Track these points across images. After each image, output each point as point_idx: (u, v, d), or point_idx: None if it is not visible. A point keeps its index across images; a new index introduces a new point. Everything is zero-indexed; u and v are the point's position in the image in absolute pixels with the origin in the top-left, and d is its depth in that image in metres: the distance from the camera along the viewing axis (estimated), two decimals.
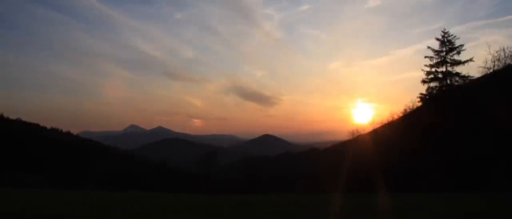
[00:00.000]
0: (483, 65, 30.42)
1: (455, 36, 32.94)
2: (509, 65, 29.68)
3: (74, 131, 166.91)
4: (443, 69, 33.25)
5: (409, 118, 38.15)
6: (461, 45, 32.75)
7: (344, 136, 53.15)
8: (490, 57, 30.02)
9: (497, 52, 30.01)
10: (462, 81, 32.84)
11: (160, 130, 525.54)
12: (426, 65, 33.67)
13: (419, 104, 36.69)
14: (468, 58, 32.52)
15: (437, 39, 33.20)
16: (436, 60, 33.32)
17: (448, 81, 33.32)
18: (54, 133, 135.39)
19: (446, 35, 32.96)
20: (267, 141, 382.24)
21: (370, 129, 49.61)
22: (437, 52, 33.19)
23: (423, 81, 33.89)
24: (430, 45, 33.49)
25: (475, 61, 32.10)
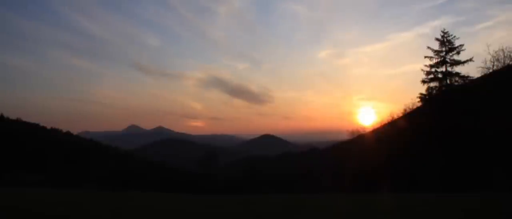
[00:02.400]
0: (483, 65, 30.47)
1: (454, 36, 33.01)
2: (509, 65, 29.71)
3: (74, 131, 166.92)
4: (443, 69, 33.25)
5: (409, 118, 38.19)
6: (461, 45, 32.77)
7: (344, 136, 53.25)
8: (489, 57, 30.07)
9: (496, 52, 30.07)
10: (462, 81, 32.80)
11: (160, 130, 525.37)
12: (426, 65, 33.72)
13: (419, 104, 36.71)
14: (468, 58, 32.58)
15: (437, 39, 33.23)
16: (436, 60, 33.33)
17: (448, 81, 33.30)
18: (54, 133, 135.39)
19: (446, 35, 32.99)
20: (267, 141, 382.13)
21: (370, 129, 49.79)
22: (437, 52, 33.20)
23: (423, 81, 33.90)
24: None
25: (479, 56, 32.17)
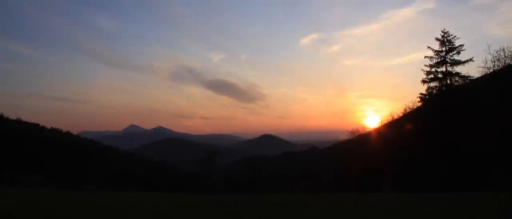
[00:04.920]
0: (483, 65, 30.41)
1: (455, 36, 33.02)
2: (509, 65, 29.66)
3: (74, 131, 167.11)
4: (443, 69, 33.26)
5: (409, 118, 38.21)
6: (461, 45, 32.80)
7: (343, 136, 53.32)
8: (490, 57, 30.00)
9: (497, 52, 30.00)
10: (462, 81, 32.81)
11: (160, 130, 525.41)
12: (426, 65, 33.73)
13: (419, 104, 36.73)
14: (468, 58, 32.61)
15: (437, 39, 33.23)
16: (436, 60, 33.34)
17: (448, 81, 33.31)
18: (54, 133, 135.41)
19: (446, 35, 33.01)
20: (267, 140, 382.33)
21: (369, 128, 49.88)
22: (437, 52, 33.21)
23: (423, 81, 33.91)
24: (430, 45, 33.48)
25: (475, 61, 32.12)
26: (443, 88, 33.36)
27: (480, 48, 31.37)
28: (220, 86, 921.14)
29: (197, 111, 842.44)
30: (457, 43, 32.90)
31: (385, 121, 46.53)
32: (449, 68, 33.05)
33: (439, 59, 33.20)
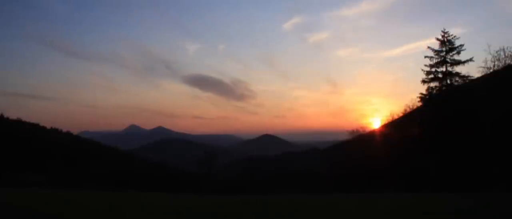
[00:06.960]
0: (483, 65, 30.44)
1: (455, 36, 33.05)
2: (509, 65, 29.68)
3: (74, 131, 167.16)
4: (443, 69, 33.28)
5: (409, 118, 38.25)
6: (461, 45, 32.84)
7: (343, 136, 53.42)
8: (490, 57, 30.02)
9: (497, 52, 30.03)
10: (462, 81, 32.86)
11: (160, 130, 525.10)
12: (426, 65, 33.76)
13: (419, 104, 36.76)
14: (468, 58, 32.65)
15: (437, 39, 33.27)
16: (436, 60, 33.36)
17: (448, 81, 33.33)
18: (54, 133, 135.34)
19: (446, 35, 33.02)
20: (267, 140, 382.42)
21: (369, 128, 49.95)
22: (437, 52, 33.24)
23: (423, 81, 33.95)
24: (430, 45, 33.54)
25: (475, 61, 32.19)
26: (443, 88, 33.38)
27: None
28: (204, 83, 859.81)
29: (188, 110, 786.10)
30: (457, 43, 33.00)
31: (385, 121, 46.65)
32: (449, 68, 33.10)
33: (439, 59, 33.24)
